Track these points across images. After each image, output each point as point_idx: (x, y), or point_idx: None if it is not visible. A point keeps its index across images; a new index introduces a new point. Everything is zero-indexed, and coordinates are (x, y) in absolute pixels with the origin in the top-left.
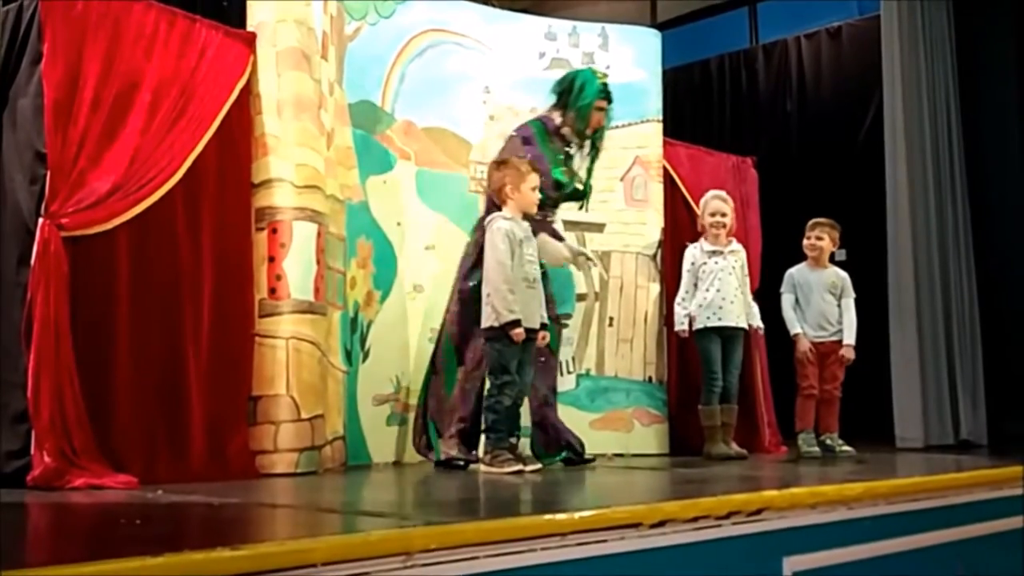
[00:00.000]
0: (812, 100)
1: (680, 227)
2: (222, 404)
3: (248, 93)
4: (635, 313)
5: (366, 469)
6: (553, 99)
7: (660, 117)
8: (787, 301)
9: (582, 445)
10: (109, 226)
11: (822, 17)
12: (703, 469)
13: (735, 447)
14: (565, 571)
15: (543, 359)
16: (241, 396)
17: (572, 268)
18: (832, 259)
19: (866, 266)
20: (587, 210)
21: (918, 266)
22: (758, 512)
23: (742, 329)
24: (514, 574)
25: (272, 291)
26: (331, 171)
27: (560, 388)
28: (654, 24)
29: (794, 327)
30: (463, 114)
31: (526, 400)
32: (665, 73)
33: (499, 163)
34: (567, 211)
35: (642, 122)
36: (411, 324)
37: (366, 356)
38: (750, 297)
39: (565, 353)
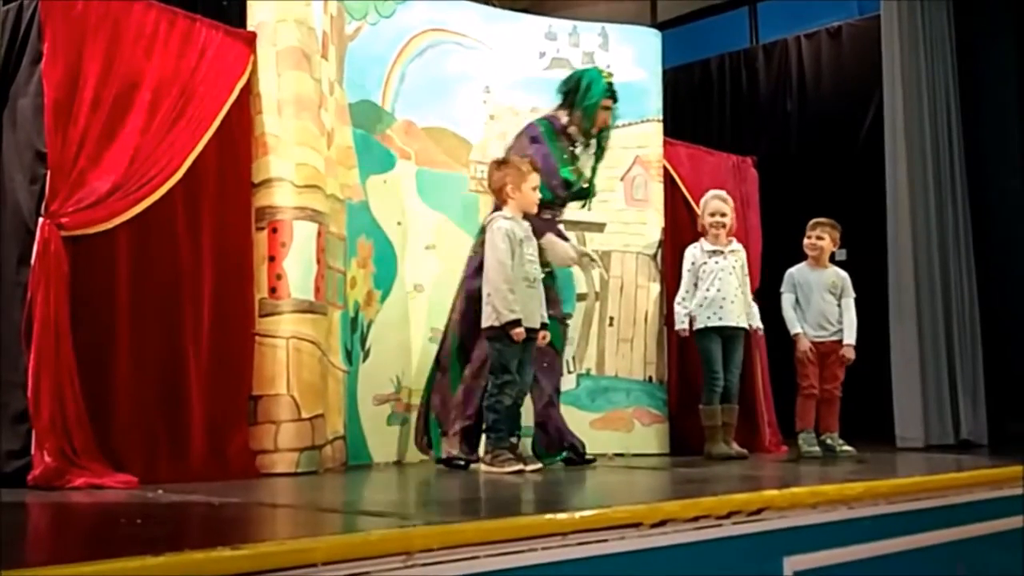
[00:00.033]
0: (812, 100)
1: (680, 227)
2: (222, 404)
3: (248, 93)
4: (635, 313)
5: (367, 469)
6: (559, 98)
7: (660, 117)
8: (787, 301)
9: (583, 446)
10: (109, 226)
11: (822, 17)
12: (703, 469)
13: (736, 447)
14: (565, 571)
15: (548, 359)
16: (241, 396)
17: (574, 268)
18: (832, 259)
19: (866, 266)
20: (589, 208)
21: (918, 266)
22: (758, 512)
23: (743, 329)
24: (514, 574)
25: (272, 290)
26: (331, 171)
27: (561, 388)
28: (654, 24)
29: (794, 327)
30: (463, 114)
31: (528, 400)
32: (665, 73)
33: (500, 163)
34: (567, 210)
35: (642, 122)
36: (412, 324)
37: (366, 356)
38: (750, 297)
39: (566, 353)
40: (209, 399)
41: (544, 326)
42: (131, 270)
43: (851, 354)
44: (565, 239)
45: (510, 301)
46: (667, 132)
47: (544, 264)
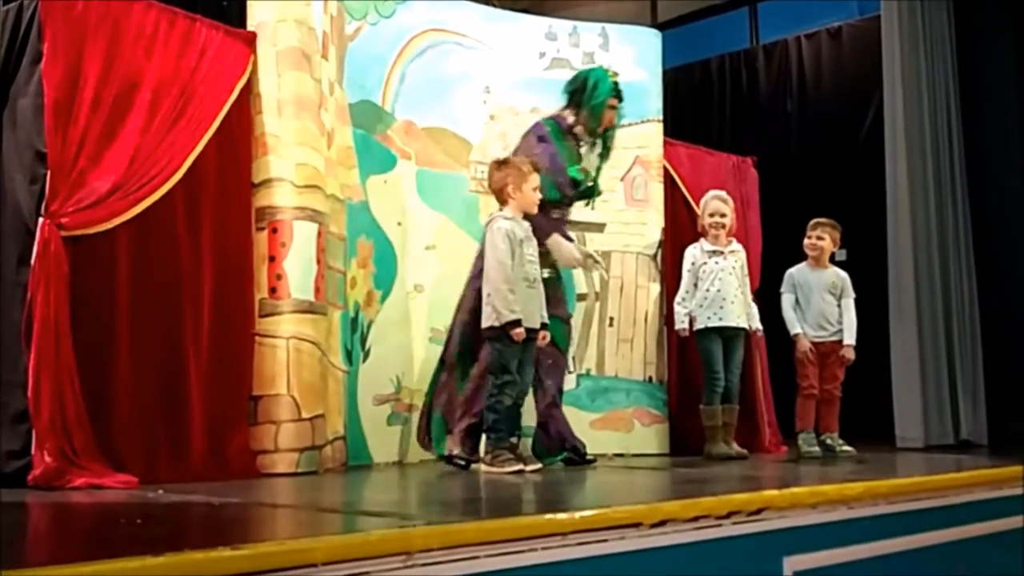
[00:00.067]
0: (812, 100)
1: (680, 227)
2: (222, 404)
3: (248, 93)
4: (635, 313)
5: (367, 469)
6: (565, 98)
7: (660, 117)
8: (787, 301)
9: (584, 447)
10: (109, 226)
11: (822, 17)
12: (703, 469)
13: (736, 447)
14: (566, 571)
15: (552, 359)
16: (241, 396)
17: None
18: (832, 259)
19: (866, 266)
20: (593, 207)
21: (918, 266)
22: (758, 512)
23: (743, 329)
24: (514, 574)
25: (272, 291)
26: (331, 171)
27: (564, 388)
28: (654, 24)
29: (794, 327)
30: (463, 114)
31: (529, 400)
32: (665, 73)
33: (500, 163)
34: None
35: (642, 122)
36: (412, 324)
37: (367, 356)
38: (750, 298)
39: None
40: (209, 399)
41: (544, 326)
42: (131, 270)
43: (851, 354)
44: (570, 239)
45: (510, 301)
46: (667, 132)
47: (551, 265)
